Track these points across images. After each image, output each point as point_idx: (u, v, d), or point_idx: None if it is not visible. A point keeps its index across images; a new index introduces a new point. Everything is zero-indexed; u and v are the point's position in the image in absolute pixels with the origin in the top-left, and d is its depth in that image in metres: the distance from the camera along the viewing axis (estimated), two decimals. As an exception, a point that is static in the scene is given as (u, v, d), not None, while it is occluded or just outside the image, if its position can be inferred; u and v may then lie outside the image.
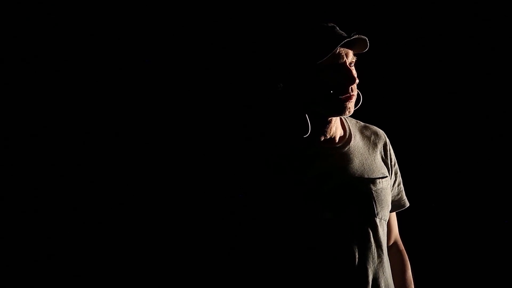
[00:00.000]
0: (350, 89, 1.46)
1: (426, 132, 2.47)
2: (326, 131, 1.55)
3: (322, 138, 1.55)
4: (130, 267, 2.30)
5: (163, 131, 2.33)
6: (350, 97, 1.47)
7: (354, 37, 1.42)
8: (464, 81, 2.45)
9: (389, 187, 1.60)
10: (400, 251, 1.74)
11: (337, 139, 1.58)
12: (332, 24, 1.49)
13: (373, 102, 1.88)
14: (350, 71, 1.46)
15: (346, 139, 1.59)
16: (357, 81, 1.48)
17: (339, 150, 1.56)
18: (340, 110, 1.48)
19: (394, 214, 1.74)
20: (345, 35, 1.45)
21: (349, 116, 1.57)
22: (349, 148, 1.57)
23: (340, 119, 1.61)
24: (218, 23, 2.36)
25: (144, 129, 2.33)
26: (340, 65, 1.46)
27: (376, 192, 1.53)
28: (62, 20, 2.26)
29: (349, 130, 1.61)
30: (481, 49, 2.43)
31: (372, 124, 1.70)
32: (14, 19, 2.23)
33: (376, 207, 1.52)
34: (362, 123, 1.68)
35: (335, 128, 1.57)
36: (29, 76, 2.25)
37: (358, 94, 1.51)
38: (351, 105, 1.48)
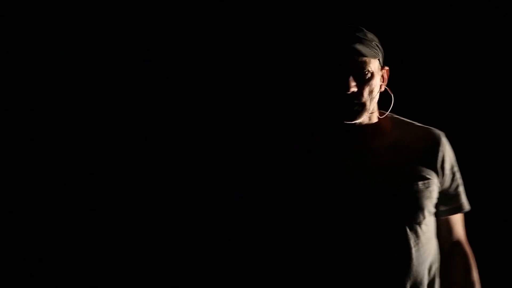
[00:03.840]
0: (352, 96, 1.48)
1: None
2: (354, 130, 1.56)
3: (350, 136, 1.56)
4: (131, 267, 2.30)
5: (163, 132, 2.33)
6: (353, 104, 1.49)
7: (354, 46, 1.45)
8: (464, 81, 2.45)
9: (426, 190, 1.56)
10: (461, 254, 1.70)
11: (369, 138, 1.58)
12: (349, 30, 1.51)
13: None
14: (349, 80, 1.47)
15: (380, 138, 1.59)
16: (355, 90, 1.48)
17: (369, 149, 1.56)
18: (347, 117, 1.51)
19: (455, 216, 1.70)
20: (355, 40, 1.47)
21: (401, 117, 1.62)
22: (381, 147, 1.57)
23: (383, 117, 1.61)
24: (218, 23, 2.36)
25: (144, 129, 2.33)
26: (343, 73, 1.48)
27: (406, 194, 1.52)
28: (62, 20, 2.26)
29: (386, 129, 1.61)
30: (481, 49, 2.43)
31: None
32: (14, 19, 2.23)
33: (405, 209, 1.52)
34: (413, 123, 1.67)
35: (366, 128, 1.57)
36: (29, 76, 2.25)
37: (390, 97, 1.56)
38: (358, 112, 1.50)
